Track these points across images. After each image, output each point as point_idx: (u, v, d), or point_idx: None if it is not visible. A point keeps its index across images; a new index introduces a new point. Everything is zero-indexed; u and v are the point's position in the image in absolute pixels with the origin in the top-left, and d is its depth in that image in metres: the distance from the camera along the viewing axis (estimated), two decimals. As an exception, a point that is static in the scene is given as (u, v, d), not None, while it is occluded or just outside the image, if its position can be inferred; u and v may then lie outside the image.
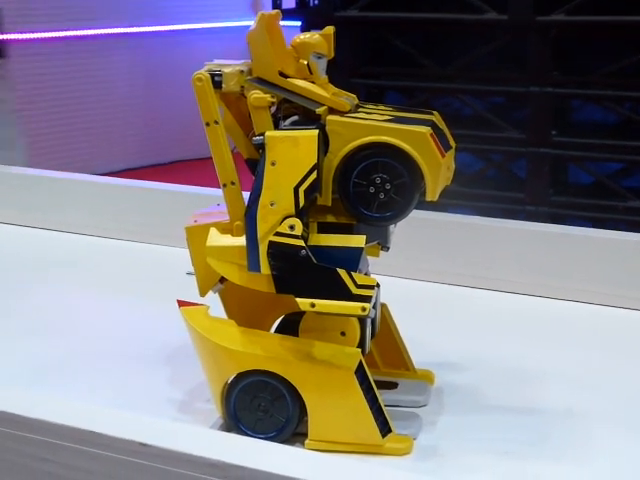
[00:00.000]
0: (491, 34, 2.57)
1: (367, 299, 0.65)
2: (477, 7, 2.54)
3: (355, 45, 2.74)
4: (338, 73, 2.80)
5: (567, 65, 2.52)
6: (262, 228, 0.66)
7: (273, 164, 0.66)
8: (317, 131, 0.66)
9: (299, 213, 0.66)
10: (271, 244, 0.66)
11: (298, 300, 0.66)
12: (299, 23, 2.77)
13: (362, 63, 2.76)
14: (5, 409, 0.58)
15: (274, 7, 2.70)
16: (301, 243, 0.66)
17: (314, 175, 0.65)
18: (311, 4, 2.82)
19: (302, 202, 0.66)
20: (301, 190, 0.66)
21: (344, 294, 0.65)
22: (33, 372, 0.83)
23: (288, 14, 2.77)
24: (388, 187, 0.67)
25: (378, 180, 0.67)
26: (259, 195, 0.66)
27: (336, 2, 2.69)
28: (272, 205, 0.66)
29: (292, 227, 0.66)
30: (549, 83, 2.51)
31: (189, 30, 5.04)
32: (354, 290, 0.65)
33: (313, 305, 0.66)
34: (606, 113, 2.57)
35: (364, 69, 2.75)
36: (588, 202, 2.54)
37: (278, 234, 0.66)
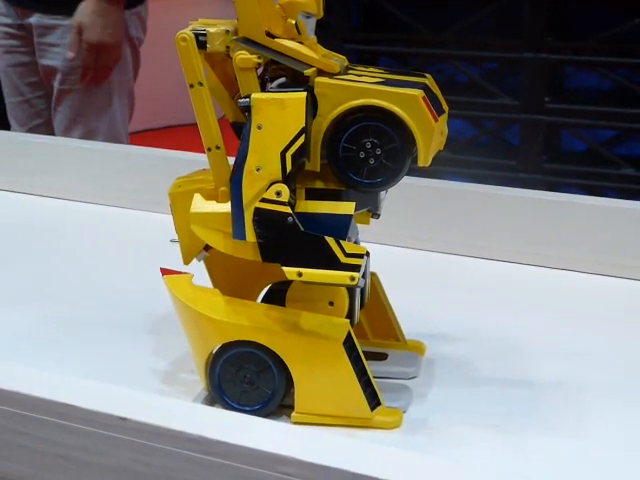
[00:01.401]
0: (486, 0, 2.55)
1: (356, 268, 0.63)
2: (472, -29, 2.51)
3: (348, 10, 2.71)
4: (331, 38, 2.78)
5: (562, 31, 2.50)
6: (248, 194, 0.64)
7: (259, 127, 0.64)
8: (305, 93, 0.64)
9: (286, 179, 0.64)
10: (257, 211, 0.64)
11: (285, 269, 0.64)
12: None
13: (355, 29, 2.73)
14: (-21, 380, 0.57)
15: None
16: (288, 210, 0.64)
17: (302, 139, 0.63)
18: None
19: (289, 167, 0.64)
20: (288, 155, 0.63)
21: (332, 263, 0.63)
22: (13, 341, 0.81)
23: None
24: (379, 152, 0.65)
25: (368, 145, 0.65)
26: (245, 160, 0.64)
27: (329, -34, 2.66)
28: (258, 170, 0.64)
29: (279, 193, 0.64)
30: (543, 49, 2.49)
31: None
32: (343, 259, 0.63)
33: (300, 274, 0.64)
34: (600, 80, 2.55)
35: (357, 35, 2.73)
36: (581, 169, 2.53)
37: (264, 200, 0.64)
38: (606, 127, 2.56)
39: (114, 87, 2.01)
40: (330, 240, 0.63)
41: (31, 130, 2.03)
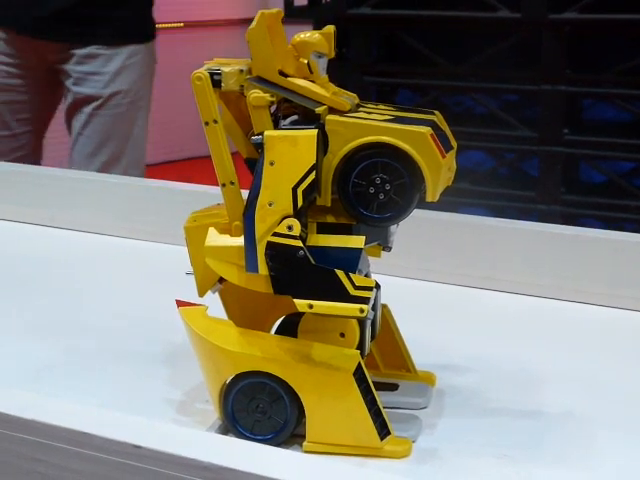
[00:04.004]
0: (504, 32, 2.56)
1: (365, 300, 0.65)
2: (490, 5, 2.52)
3: (367, 43, 2.73)
4: (350, 71, 2.80)
5: (580, 63, 2.51)
6: (260, 228, 0.66)
7: (272, 164, 0.65)
8: (316, 131, 0.65)
9: (297, 213, 0.65)
10: (269, 244, 0.66)
11: (296, 301, 0.65)
12: (311, 21, 2.76)
13: (375, 61, 2.75)
14: (-2, 409, 0.58)
15: (286, 4, 2.69)
16: (299, 244, 0.65)
17: (313, 175, 0.65)
18: (323, 1, 2.81)
19: (300, 202, 0.65)
20: (299, 190, 0.65)
21: (342, 295, 0.65)
22: (31, 371, 0.83)
23: (300, 11, 2.76)
24: (388, 188, 0.66)
25: (378, 180, 0.66)
26: (257, 195, 0.66)
27: (348, -1, 2.69)
28: (270, 205, 0.65)
29: (290, 227, 0.65)
30: (561, 81, 2.50)
31: (205, 25, 5.05)
32: (352, 291, 0.65)
33: (311, 306, 0.65)
34: (619, 111, 2.55)
35: (377, 67, 2.74)
36: (600, 201, 2.53)
37: (276, 234, 0.65)
38: (625, 159, 2.56)
39: (139, 114, 2.10)
40: (340, 273, 0.65)
41: (12, 161, 2.05)
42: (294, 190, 0.65)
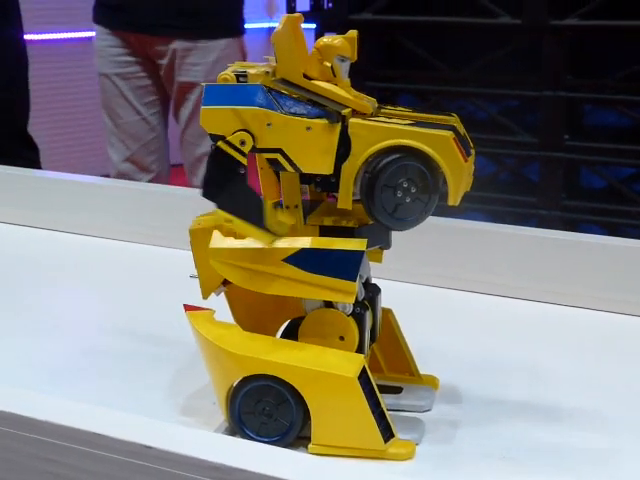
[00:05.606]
0: (505, 38, 2.57)
1: (276, 234, 0.67)
2: (491, 11, 2.54)
3: (369, 48, 2.74)
4: (353, 76, 2.81)
5: (581, 69, 2.52)
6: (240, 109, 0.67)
7: (308, 129, 0.67)
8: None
9: (256, 149, 0.67)
10: (217, 149, 0.67)
11: (218, 210, 0.67)
12: (313, 26, 2.77)
13: (376, 66, 2.76)
14: (9, 409, 0.59)
15: (288, 10, 2.70)
16: (244, 161, 0.67)
17: (291, 169, 0.67)
18: (325, 7, 2.82)
19: (266, 155, 0.68)
20: (279, 156, 0.67)
21: (258, 223, 0.67)
22: (42, 373, 0.84)
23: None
24: (414, 191, 0.67)
25: (404, 184, 0.67)
26: (276, 109, 0.67)
27: (350, 5, 2.70)
28: (269, 126, 0.67)
29: (243, 142, 0.66)
30: (562, 87, 2.51)
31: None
32: (269, 222, 0.67)
33: (230, 221, 0.68)
34: (619, 117, 2.57)
35: (378, 72, 2.76)
36: (600, 207, 2.54)
37: (227, 142, 0.67)
38: (625, 164, 2.57)
39: None
40: (267, 204, 0.67)
41: (147, 144, 2.40)
42: (278, 150, 0.67)
